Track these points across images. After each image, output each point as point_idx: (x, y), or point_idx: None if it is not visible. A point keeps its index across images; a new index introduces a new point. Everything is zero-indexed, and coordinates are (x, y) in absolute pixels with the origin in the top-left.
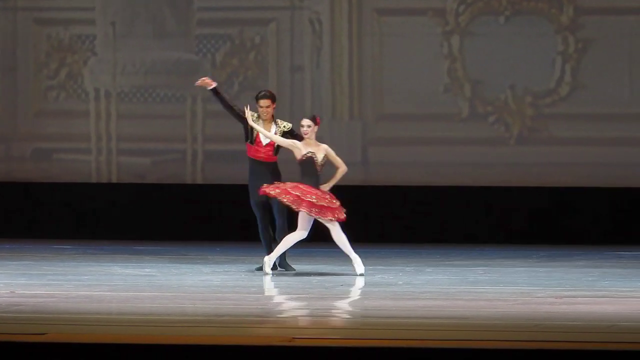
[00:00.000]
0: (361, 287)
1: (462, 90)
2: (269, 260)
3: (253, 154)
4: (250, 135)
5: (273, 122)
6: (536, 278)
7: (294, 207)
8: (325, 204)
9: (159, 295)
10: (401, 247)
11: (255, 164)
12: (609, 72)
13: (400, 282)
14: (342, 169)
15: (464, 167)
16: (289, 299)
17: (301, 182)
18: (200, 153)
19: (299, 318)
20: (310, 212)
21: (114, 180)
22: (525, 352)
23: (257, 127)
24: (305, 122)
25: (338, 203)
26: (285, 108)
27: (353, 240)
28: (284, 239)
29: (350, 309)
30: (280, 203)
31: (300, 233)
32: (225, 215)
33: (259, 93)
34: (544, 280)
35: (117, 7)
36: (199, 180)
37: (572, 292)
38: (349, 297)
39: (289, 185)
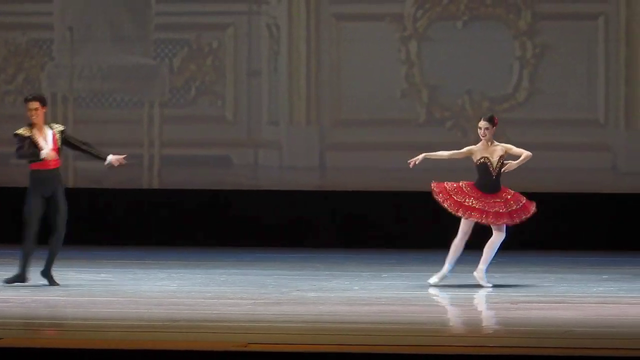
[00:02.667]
0: (316, 293)
1: (419, 95)
2: (478, 274)
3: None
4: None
5: (47, 125)
6: (491, 283)
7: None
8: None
9: (115, 300)
10: (357, 252)
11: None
12: (566, 78)
13: (356, 288)
14: (526, 154)
15: (421, 173)
16: (244, 305)
17: (475, 186)
18: (157, 158)
19: (254, 323)
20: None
21: (71, 185)
22: (479, 358)
23: None
24: (483, 123)
25: (514, 206)
26: (242, 113)
27: (311, 245)
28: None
29: (305, 314)
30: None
31: (498, 235)
32: (182, 220)
33: (27, 96)
34: (499, 285)
35: (74, 12)
36: (156, 185)
37: (527, 297)
38: (304, 302)
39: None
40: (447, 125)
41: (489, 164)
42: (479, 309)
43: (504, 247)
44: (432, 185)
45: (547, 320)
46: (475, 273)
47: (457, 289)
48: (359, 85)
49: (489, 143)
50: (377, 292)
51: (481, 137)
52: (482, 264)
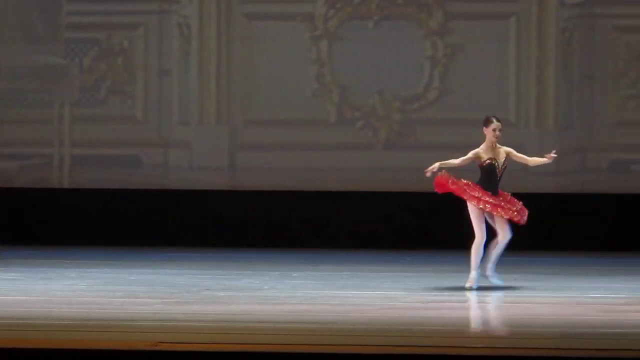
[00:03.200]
0: (226, 292)
1: (330, 95)
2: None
3: None
4: None
5: None
6: (402, 283)
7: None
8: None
9: (25, 299)
10: (268, 251)
11: None
12: (477, 77)
13: (266, 287)
14: (541, 160)
15: (331, 172)
16: (154, 304)
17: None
18: (68, 157)
19: (164, 323)
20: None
21: None
22: (392, 357)
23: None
24: (498, 125)
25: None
26: (153, 113)
27: (221, 244)
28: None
29: (215, 313)
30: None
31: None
32: (92, 219)
33: None
34: (410, 285)
35: None
36: (66, 185)
37: (436, 297)
38: (214, 302)
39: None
40: (358, 125)
41: (495, 165)
42: (390, 308)
43: (415, 247)
44: (449, 184)
45: (458, 319)
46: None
47: (370, 290)
48: (269, 85)
49: (494, 145)
50: (288, 292)
51: (495, 139)
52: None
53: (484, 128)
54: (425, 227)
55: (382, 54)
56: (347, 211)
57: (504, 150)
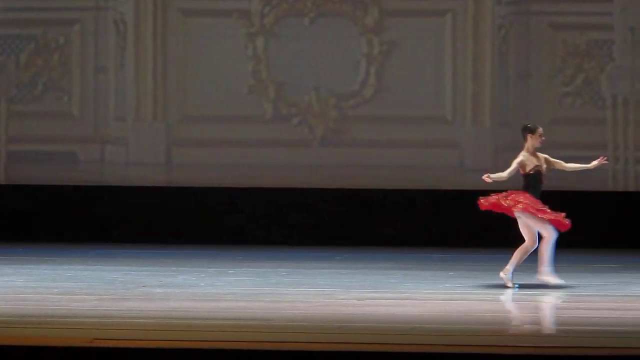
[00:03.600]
0: (163, 289)
1: (266, 91)
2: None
3: None
4: None
5: None
6: (339, 279)
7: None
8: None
9: None
10: (204, 248)
11: None
12: (413, 74)
13: (202, 284)
14: (580, 167)
15: (268, 169)
16: (91, 300)
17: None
18: (4, 153)
19: (100, 319)
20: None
21: None
22: (328, 354)
23: None
24: (542, 130)
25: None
26: (89, 109)
27: (157, 241)
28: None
29: (152, 310)
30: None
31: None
32: (28, 215)
33: None
34: (346, 282)
35: None
36: (2, 181)
37: (374, 293)
38: (151, 298)
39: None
40: (294, 122)
41: (541, 171)
42: (326, 305)
43: (353, 244)
44: (513, 209)
45: (394, 316)
46: (540, 276)
47: (306, 287)
48: (205, 82)
49: (535, 152)
50: (224, 289)
51: (540, 144)
52: (510, 266)
53: (529, 135)
54: (362, 223)
55: (318, 51)
56: (283, 207)
57: (541, 156)
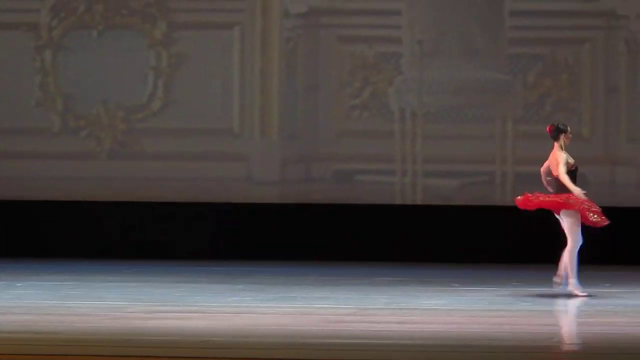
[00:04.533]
0: None
1: (54, 104)
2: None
3: None
4: None
5: None
6: (127, 293)
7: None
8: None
9: None
10: None
11: None
12: (202, 87)
13: None
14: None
15: (56, 182)
16: None
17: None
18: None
19: None
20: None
21: None
22: None
23: None
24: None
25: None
26: None
27: None
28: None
29: None
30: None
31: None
32: None
33: None
34: (135, 295)
35: None
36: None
37: (162, 307)
38: None
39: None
40: (82, 134)
41: (578, 167)
42: (115, 318)
43: (140, 257)
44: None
45: (182, 329)
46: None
47: (94, 300)
48: None
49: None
50: (12, 301)
51: (568, 143)
52: (572, 278)
53: (562, 135)
54: (149, 237)
55: (107, 63)
56: (69, 219)
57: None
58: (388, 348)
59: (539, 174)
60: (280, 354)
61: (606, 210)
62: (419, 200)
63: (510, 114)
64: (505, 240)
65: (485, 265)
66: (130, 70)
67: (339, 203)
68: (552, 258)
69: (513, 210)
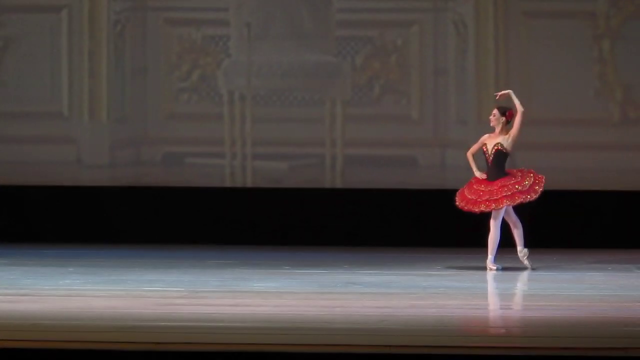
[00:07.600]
0: None
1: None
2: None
3: None
4: None
5: None
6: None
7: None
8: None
9: None
10: None
11: None
12: (30, 70)
13: None
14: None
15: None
16: None
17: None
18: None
19: None
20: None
21: None
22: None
23: None
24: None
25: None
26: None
27: None
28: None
29: None
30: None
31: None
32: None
33: None
34: None
35: None
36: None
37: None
38: None
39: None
40: None
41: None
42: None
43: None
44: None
45: (13, 313)
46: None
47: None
48: None
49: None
50: None
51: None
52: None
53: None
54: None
55: None
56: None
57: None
58: (220, 330)
59: (368, 156)
60: (112, 337)
61: (436, 194)
62: (249, 182)
63: (339, 97)
64: (336, 223)
65: (317, 247)
66: None
67: (169, 186)
68: (384, 241)
69: (343, 192)
